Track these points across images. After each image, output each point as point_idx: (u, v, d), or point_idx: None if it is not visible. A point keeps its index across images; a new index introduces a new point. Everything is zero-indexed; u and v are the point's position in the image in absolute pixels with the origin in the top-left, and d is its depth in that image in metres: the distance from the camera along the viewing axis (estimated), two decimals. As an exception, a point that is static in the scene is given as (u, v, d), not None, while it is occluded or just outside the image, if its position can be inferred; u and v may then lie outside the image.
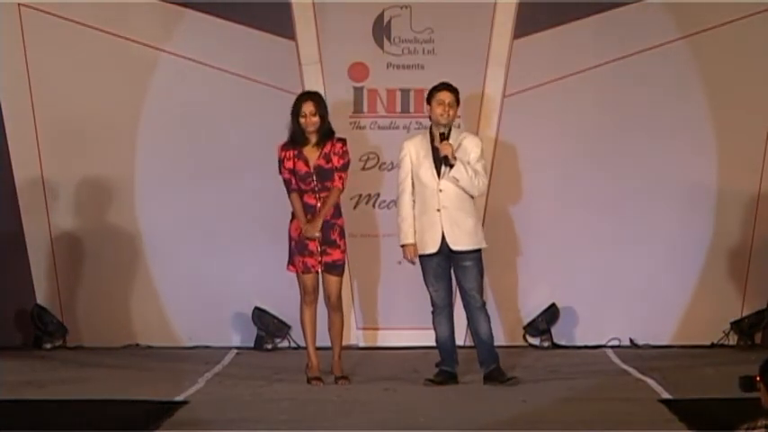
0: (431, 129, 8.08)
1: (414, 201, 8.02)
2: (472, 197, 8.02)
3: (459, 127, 8.67)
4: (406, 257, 8.08)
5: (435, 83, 8.13)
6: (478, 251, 8.02)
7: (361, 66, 9.71)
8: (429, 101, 8.07)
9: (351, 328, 9.63)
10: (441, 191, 7.94)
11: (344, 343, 9.12)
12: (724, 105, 9.62)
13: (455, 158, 7.89)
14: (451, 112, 7.99)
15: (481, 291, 8.05)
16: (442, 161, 7.92)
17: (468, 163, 7.93)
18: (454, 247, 7.93)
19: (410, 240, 8.02)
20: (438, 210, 7.94)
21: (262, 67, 9.62)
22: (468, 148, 8.01)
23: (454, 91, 8.03)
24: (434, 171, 7.96)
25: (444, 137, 7.94)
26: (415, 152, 8.04)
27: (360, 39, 9.67)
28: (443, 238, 7.92)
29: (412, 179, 8.03)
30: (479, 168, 7.98)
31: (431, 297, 8.07)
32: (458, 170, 7.89)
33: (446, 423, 6.74)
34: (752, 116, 9.62)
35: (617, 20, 9.60)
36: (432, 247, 7.97)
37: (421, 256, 8.04)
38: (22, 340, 9.73)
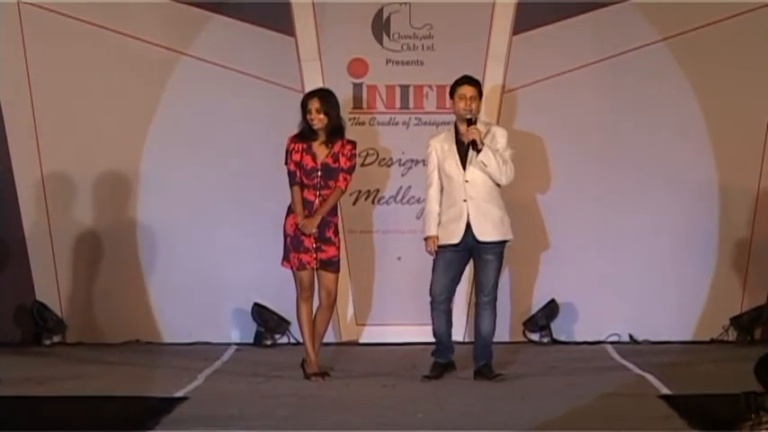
0: (455, 124, 8.08)
1: (441, 196, 8.02)
2: (499, 186, 8.01)
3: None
4: (428, 250, 8.07)
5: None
6: (502, 244, 8.01)
7: (361, 62, 9.70)
8: (452, 95, 8.07)
9: (349, 324, 9.65)
10: (467, 181, 7.94)
11: (344, 339, 9.12)
12: (722, 101, 9.61)
13: (482, 143, 7.89)
14: (474, 105, 7.98)
15: (495, 286, 8.03)
16: (469, 146, 7.89)
17: (497, 150, 7.93)
18: (481, 237, 7.92)
19: (432, 233, 8.02)
20: (465, 200, 7.94)
21: (261, 63, 9.61)
22: (497, 136, 8.02)
23: (475, 84, 8.05)
24: (459, 163, 7.95)
25: (472, 122, 7.94)
26: (440, 147, 8.05)
27: (359, 35, 9.66)
28: (468, 228, 7.92)
29: (439, 174, 8.05)
30: (507, 157, 7.98)
31: (431, 288, 8.04)
32: (485, 155, 7.87)
33: (445, 419, 6.74)
34: (751, 112, 9.61)
35: (616, 16, 9.59)
36: (455, 237, 7.95)
37: (440, 246, 8.04)
38: (22, 336, 9.72)
